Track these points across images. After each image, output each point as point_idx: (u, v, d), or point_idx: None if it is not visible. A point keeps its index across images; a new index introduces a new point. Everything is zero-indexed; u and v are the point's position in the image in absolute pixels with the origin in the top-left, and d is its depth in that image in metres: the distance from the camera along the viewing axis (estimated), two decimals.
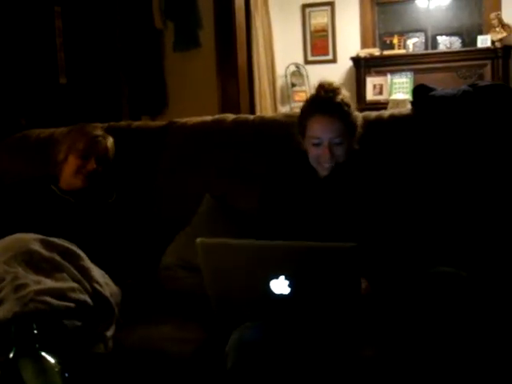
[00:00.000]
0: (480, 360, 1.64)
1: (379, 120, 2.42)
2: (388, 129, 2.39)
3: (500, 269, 1.93)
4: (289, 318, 1.68)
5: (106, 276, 2.11)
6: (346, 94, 2.05)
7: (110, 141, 2.57)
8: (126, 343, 1.94)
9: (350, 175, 2.04)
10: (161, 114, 4.36)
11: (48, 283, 1.87)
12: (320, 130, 1.99)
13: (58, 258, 1.96)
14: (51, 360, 1.25)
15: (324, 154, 1.99)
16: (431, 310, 1.68)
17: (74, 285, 1.91)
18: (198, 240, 1.65)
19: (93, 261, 2.19)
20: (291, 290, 1.61)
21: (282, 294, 1.61)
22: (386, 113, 2.47)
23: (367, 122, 2.22)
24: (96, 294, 1.96)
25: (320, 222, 1.99)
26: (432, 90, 2.39)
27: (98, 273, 2.05)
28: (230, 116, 2.74)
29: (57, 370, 1.23)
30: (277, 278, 1.61)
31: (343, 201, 2.01)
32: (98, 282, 1.99)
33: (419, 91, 2.41)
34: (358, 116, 2.11)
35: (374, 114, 2.47)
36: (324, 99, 2.01)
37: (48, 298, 1.80)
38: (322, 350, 1.71)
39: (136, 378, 1.87)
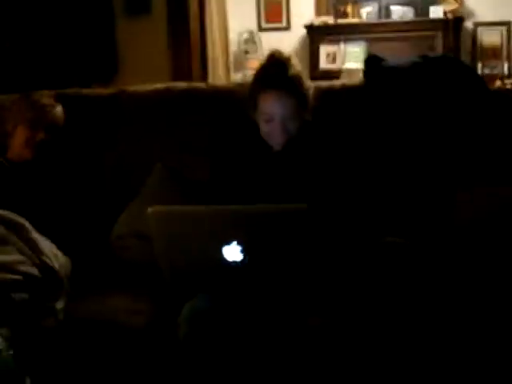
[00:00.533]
0: (423, 331, 1.68)
1: (331, 90, 2.43)
2: (339, 99, 2.40)
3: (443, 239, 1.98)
4: (241, 286, 1.70)
5: (55, 247, 2.08)
6: (296, 65, 2.01)
7: (59, 110, 2.51)
8: (76, 315, 1.92)
9: (302, 147, 2.03)
10: (112, 82, 4.27)
11: None
12: (272, 107, 1.95)
13: (3, 230, 1.92)
14: None
15: (276, 129, 1.96)
16: (379, 280, 1.72)
17: (21, 257, 1.88)
18: (150, 209, 1.62)
19: (42, 232, 2.16)
20: (244, 256, 1.62)
21: (234, 262, 1.62)
22: (337, 83, 2.49)
23: (319, 92, 2.21)
24: (44, 267, 1.92)
25: (272, 193, 1.99)
26: (383, 60, 2.40)
27: (46, 244, 2.01)
28: (182, 84, 2.71)
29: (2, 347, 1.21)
30: (229, 243, 1.61)
31: (295, 172, 2.01)
32: (45, 254, 1.95)
33: (370, 62, 2.42)
34: (310, 87, 2.07)
35: (325, 83, 2.49)
36: (275, 73, 1.96)
37: None
38: (270, 317, 1.73)
39: (87, 350, 1.86)
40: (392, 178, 2.19)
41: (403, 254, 1.74)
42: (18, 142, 2.41)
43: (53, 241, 2.13)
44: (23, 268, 1.84)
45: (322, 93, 2.33)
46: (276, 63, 1.98)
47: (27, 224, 2.01)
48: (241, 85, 2.59)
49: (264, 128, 2.00)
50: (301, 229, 1.59)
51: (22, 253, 1.90)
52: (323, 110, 2.22)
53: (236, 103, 2.36)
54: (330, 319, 1.74)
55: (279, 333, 1.73)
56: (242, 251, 1.61)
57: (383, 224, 2.01)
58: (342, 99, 2.40)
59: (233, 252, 1.61)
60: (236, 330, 1.71)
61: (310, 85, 2.09)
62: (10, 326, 1.72)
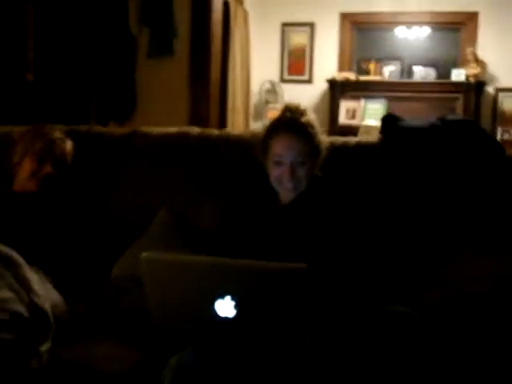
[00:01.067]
0: None
1: (345, 147, 2.39)
2: (354, 156, 2.35)
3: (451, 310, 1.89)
4: (231, 343, 1.62)
5: (49, 286, 2.02)
6: (311, 117, 2.03)
7: (68, 144, 2.48)
8: (62, 359, 1.86)
9: (310, 204, 1.99)
10: (128, 121, 4.28)
11: None
12: (282, 149, 1.95)
13: None
14: None
15: (285, 173, 1.95)
16: (380, 351, 1.63)
17: (10, 294, 1.81)
18: (143, 254, 1.57)
19: (38, 266, 2.11)
20: (237, 313, 1.54)
21: (226, 318, 1.55)
22: (352, 140, 2.44)
23: (333, 148, 2.17)
24: (33, 306, 1.85)
25: (275, 250, 1.94)
26: (401, 120, 2.37)
27: (38, 282, 1.94)
28: (196, 129, 2.68)
29: None
30: (223, 298, 1.54)
31: (301, 229, 1.96)
32: (36, 293, 1.88)
33: (388, 120, 2.38)
34: (324, 140, 2.07)
35: (340, 139, 2.43)
36: (289, 119, 1.99)
37: None
38: (259, 380, 1.64)
39: None
40: (399, 243, 2.11)
41: (406, 323, 1.65)
42: (24, 173, 2.39)
43: (50, 276, 2.08)
44: (10, 306, 1.77)
45: (336, 149, 2.30)
46: (290, 111, 2.00)
47: (21, 260, 1.95)
48: (254, 135, 2.55)
49: (274, 172, 1.99)
50: (299, 289, 1.52)
51: (11, 289, 1.83)
52: (335, 166, 2.18)
53: (249, 153, 2.32)
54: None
55: None
56: (236, 307, 1.54)
57: (386, 291, 1.93)
58: (355, 157, 2.35)
59: (226, 307, 1.54)
60: None
61: (325, 138, 2.08)
62: None
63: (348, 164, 2.32)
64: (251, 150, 2.15)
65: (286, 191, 2.00)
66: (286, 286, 1.52)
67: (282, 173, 1.96)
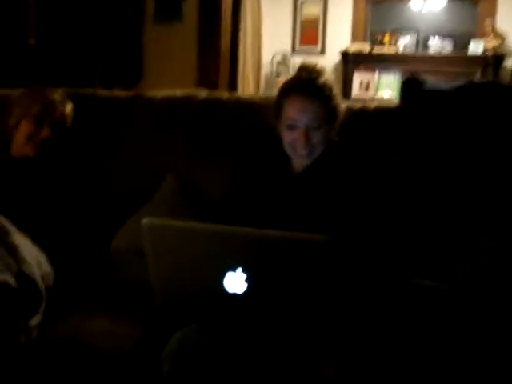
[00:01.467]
0: None
1: (364, 111, 2.23)
2: (372, 121, 2.20)
3: (484, 283, 1.73)
4: (241, 321, 1.47)
5: (43, 256, 1.88)
6: (329, 78, 1.87)
7: (68, 107, 2.34)
8: (52, 334, 1.71)
9: (326, 171, 1.85)
10: (135, 87, 4.12)
11: None
12: (297, 112, 1.80)
13: None
14: None
15: (299, 138, 1.80)
16: (405, 329, 1.48)
17: None
18: (144, 220, 1.41)
19: (34, 235, 1.97)
20: (248, 287, 1.39)
21: (235, 293, 1.40)
22: (371, 104, 2.28)
23: (350, 113, 2.03)
24: (22, 276, 1.70)
25: (288, 219, 1.80)
26: (423, 83, 2.21)
27: (29, 251, 1.80)
28: (203, 92, 2.52)
29: None
30: (234, 270, 1.38)
31: (316, 198, 1.81)
32: (26, 262, 1.73)
33: (409, 84, 2.22)
34: (341, 104, 1.92)
35: (358, 104, 2.28)
36: (304, 79, 1.83)
37: None
38: (276, 363, 1.50)
39: (58, 375, 1.63)
40: (429, 212, 1.96)
41: (434, 298, 1.50)
42: (21, 137, 2.25)
43: (45, 246, 1.94)
44: None
45: (354, 114, 2.16)
46: (306, 70, 1.85)
47: (9, 226, 1.80)
48: (266, 98, 2.39)
49: (287, 137, 1.83)
50: (321, 263, 1.35)
51: None
52: (353, 132, 2.03)
53: (260, 117, 2.17)
54: (345, 372, 1.49)
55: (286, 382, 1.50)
56: (248, 280, 1.38)
57: (413, 264, 1.77)
58: (374, 122, 2.19)
59: (236, 280, 1.39)
60: (229, 374, 1.47)
61: (341, 102, 1.92)
62: None
63: (366, 130, 2.16)
64: (263, 113, 2.01)
65: (299, 158, 1.86)
66: (307, 259, 1.36)
67: (296, 138, 1.81)
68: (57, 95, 2.34)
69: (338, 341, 1.53)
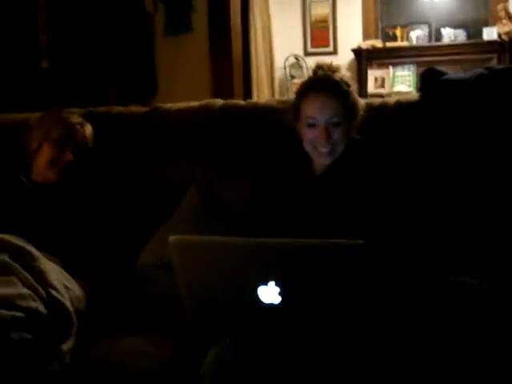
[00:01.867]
0: None
1: (384, 107, 2.18)
2: (393, 117, 2.15)
3: None
4: (277, 334, 1.42)
5: (68, 278, 1.85)
6: (346, 75, 1.86)
7: (88, 129, 2.33)
8: (86, 358, 1.68)
9: (349, 170, 1.81)
10: (150, 102, 4.11)
11: None
12: (315, 109, 1.78)
13: (6, 258, 1.69)
14: None
15: (320, 136, 1.77)
16: (445, 332, 1.42)
17: (25, 291, 1.63)
18: (171, 238, 1.38)
19: (62, 259, 1.97)
20: (282, 299, 1.35)
21: (270, 304, 1.36)
22: (391, 100, 2.23)
23: (370, 110, 1.99)
24: (51, 301, 1.67)
25: (315, 222, 1.76)
26: (442, 74, 2.15)
27: (55, 275, 1.77)
28: (219, 101, 2.49)
29: None
30: (266, 283, 1.34)
31: (341, 202, 1.77)
32: (54, 287, 1.71)
33: (428, 75, 2.17)
34: (359, 100, 1.89)
35: (378, 100, 2.24)
36: (321, 77, 1.82)
37: None
38: (316, 376, 1.45)
39: None
40: (459, 207, 1.90)
41: (474, 296, 1.44)
42: (43, 161, 2.24)
43: (72, 270, 1.92)
44: (26, 303, 1.59)
45: (374, 110, 2.11)
46: (322, 68, 1.84)
47: (34, 251, 1.78)
48: (283, 102, 2.36)
49: (307, 136, 1.81)
50: (356, 268, 1.31)
51: (26, 285, 1.65)
52: (374, 129, 2.00)
53: (278, 121, 2.14)
54: (386, 379, 1.45)
55: None
56: (281, 293, 1.34)
57: (451, 261, 1.71)
58: (396, 117, 2.14)
59: (269, 293, 1.35)
60: None
61: (360, 98, 1.89)
62: (7, 370, 1.49)
63: (388, 126, 2.11)
64: (281, 117, 1.99)
65: (321, 156, 1.82)
66: (341, 266, 1.32)
67: (317, 135, 1.79)
68: (76, 117, 2.32)
69: (378, 351, 1.48)
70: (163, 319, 1.87)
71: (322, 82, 1.79)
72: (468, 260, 1.74)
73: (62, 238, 2.09)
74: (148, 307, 1.99)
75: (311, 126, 1.79)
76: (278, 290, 1.35)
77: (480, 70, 2.07)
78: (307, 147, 1.83)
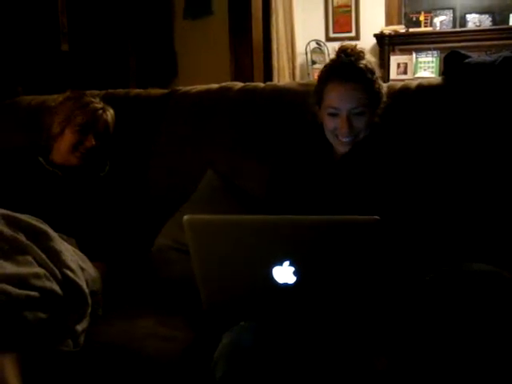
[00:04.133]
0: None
1: (405, 91, 2.14)
2: (415, 100, 2.10)
3: None
4: (293, 315, 1.40)
5: (84, 258, 1.85)
6: (370, 60, 1.80)
7: (110, 114, 2.31)
8: (100, 339, 1.67)
9: (369, 156, 1.77)
10: (170, 85, 4.09)
11: (8, 268, 1.57)
12: (338, 99, 1.72)
13: (22, 237, 1.67)
14: None
15: (342, 126, 1.73)
16: (461, 319, 1.38)
17: (40, 270, 1.61)
18: (185, 217, 1.35)
19: (78, 241, 1.96)
20: (297, 279, 1.32)
21: (285, 284, 1.33)
22: (413, 83, 2.18)
23: (392, 93, 1.95)
24: (66, 281, 1.66)
25: (334, 205, 1.73)
26: (466, 57, 2.10)
27: (71, 257, 1.76)
28: (239, 84, 2.46)
29: None
30: (281, 264, 1.32)
31: (361, 185, 1.74)
32: (69, 267, 1.70)
33: (452, 58, 2.12)
34: (383, 85, 1.84)
35: (399, 84, 2.19)
36: (345, 63, 1.74)
37: (6, 286, 1.51)
38: (329, 358, 1.42)
39: (107, 379, 1.59)
40: (481, 191, 1.85)
41: (494, 286, 1.40)
42: (65, 146, 2.22)
43: (88, 251, 1.91)
44: (41, 283, 1.58)
45: (396, 93, 2.07)
46: (347, 54, 1.76)
47: (50, 231, 1.77)
48: (304, 84, 2.32)
49: (328, 124, 1.77)
50: (371, 245, 1.28)
51: (41, 265, 1.64)
52: (396, 112, 1.96)
53: (298, 104, 2.11)
54: (399, 364, 1.40)
55: (339, 375, 1.42)
56: (296, 273, 1.32)
57: (469, 247, 1.67)
58: (417, 101, 2.09)
59: (284, 273, 1.32)
60: (286, 373, 1.40)
61: (383, 83, 1.84)
62: (21, 349, 1.48)
63: (410, 109, 2.07)
64: (302, 101, 1.95)
65: (342, 145, 1.79)
66: (356, 242, 1.29)
67: (338, 125, 1.74)
68: (98, 102, 2.30)
69: (391, 332, 1.45)
70: (178, 302, 1.86)
71: (346, 70, 1.72)
72: (485, 246, 1.70)
73: (79, 220, 2.09)
74: (163, 290, 1.98)
75: (333, 115, 1.74)
76: (292, 269, 1.32)
77: (506, 53, 2.01)
78: (328, 135, 1.79)
